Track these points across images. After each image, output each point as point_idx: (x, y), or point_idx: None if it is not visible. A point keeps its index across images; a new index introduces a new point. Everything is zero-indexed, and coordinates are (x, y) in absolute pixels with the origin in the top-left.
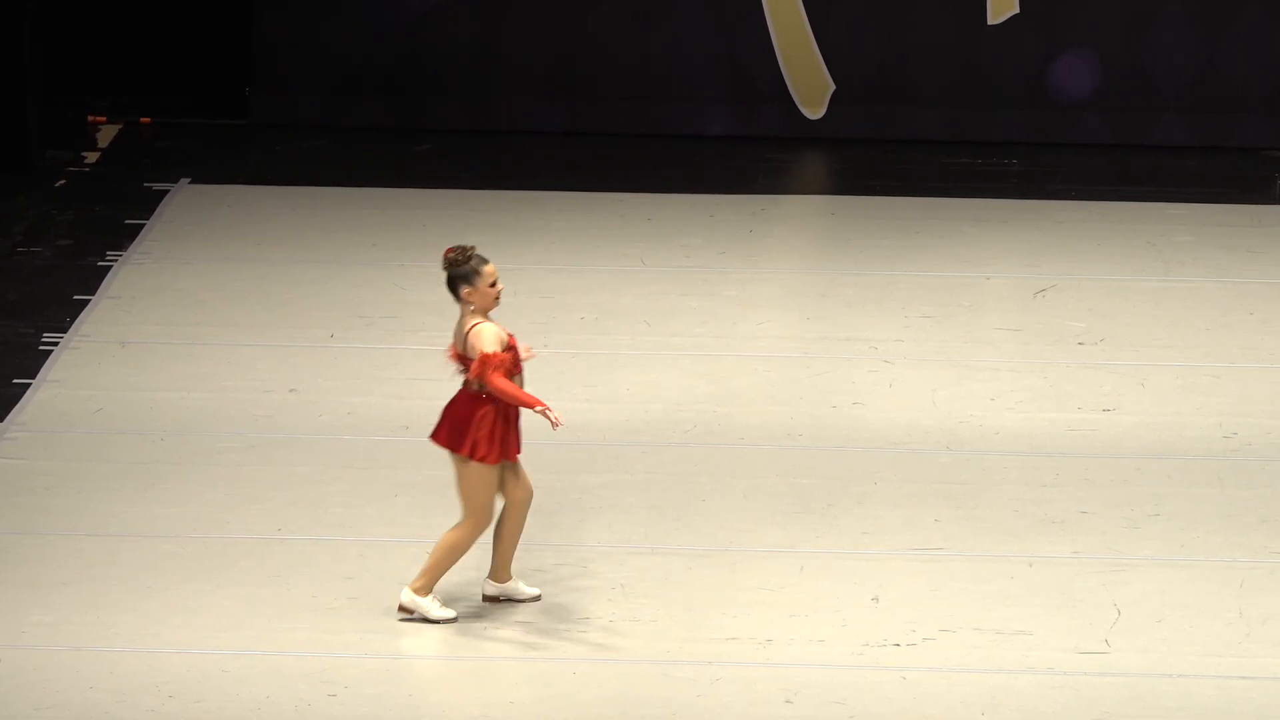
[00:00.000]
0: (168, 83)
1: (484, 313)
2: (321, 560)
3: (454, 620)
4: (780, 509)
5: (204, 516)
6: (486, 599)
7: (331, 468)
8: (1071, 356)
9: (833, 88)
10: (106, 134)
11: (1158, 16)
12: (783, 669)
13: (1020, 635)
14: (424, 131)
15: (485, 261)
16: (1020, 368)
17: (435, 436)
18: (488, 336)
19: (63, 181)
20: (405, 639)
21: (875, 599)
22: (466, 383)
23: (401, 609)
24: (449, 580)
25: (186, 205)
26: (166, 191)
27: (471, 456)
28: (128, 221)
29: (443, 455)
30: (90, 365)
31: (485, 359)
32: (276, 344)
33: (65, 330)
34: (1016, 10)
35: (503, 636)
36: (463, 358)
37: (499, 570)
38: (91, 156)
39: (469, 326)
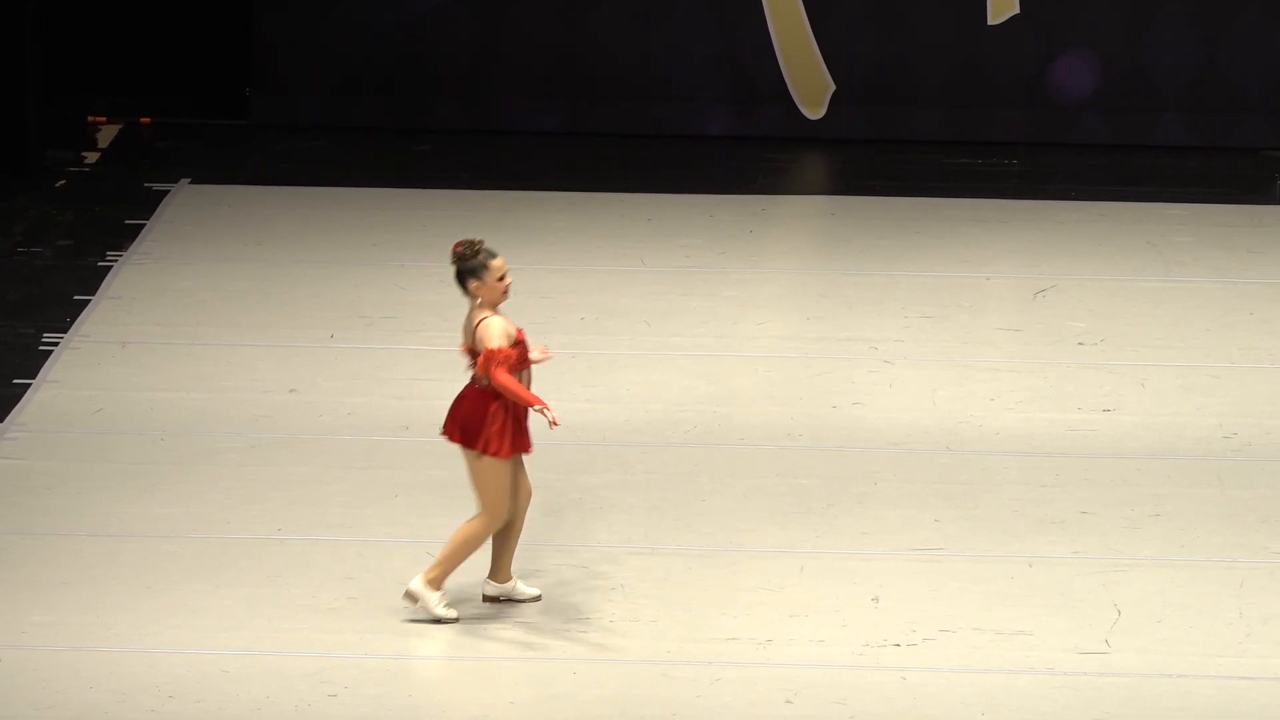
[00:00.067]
0: (168, 83)
1: (492, 307)
2: (321, 560)
3: (455, 621)
4: (780, 509)
5: (204, 516)
6: (487, 599)
7: (331, 468)
8: (1071, 356)
9: (833, 88)
10: (106, 134)
11: (1158, 16)
12: (783, 669)
13: (1020, 635)
14: (424, 131)
15: (494, 255)
16: (1020, 368)
17: (449, 433)
18: (495, 331)
19: (63, 181)
20: (405, 639)
21: (875, 599)
22: (475, 378)
23: (408, 595)
24: (449, 581)
25: (186, 205)
26: (166, 192)
27: (485, 452)
28: (128, 221)
29: (444, 454)
30: (90, 365)
31: (489, 354)
32: (276, 344)
33: (65, 330)
34: (1016, 10)
35: (503, 637)
36: (473, 351)
37: (499, 571)
38: (91, 156)
39: (477, 320)
